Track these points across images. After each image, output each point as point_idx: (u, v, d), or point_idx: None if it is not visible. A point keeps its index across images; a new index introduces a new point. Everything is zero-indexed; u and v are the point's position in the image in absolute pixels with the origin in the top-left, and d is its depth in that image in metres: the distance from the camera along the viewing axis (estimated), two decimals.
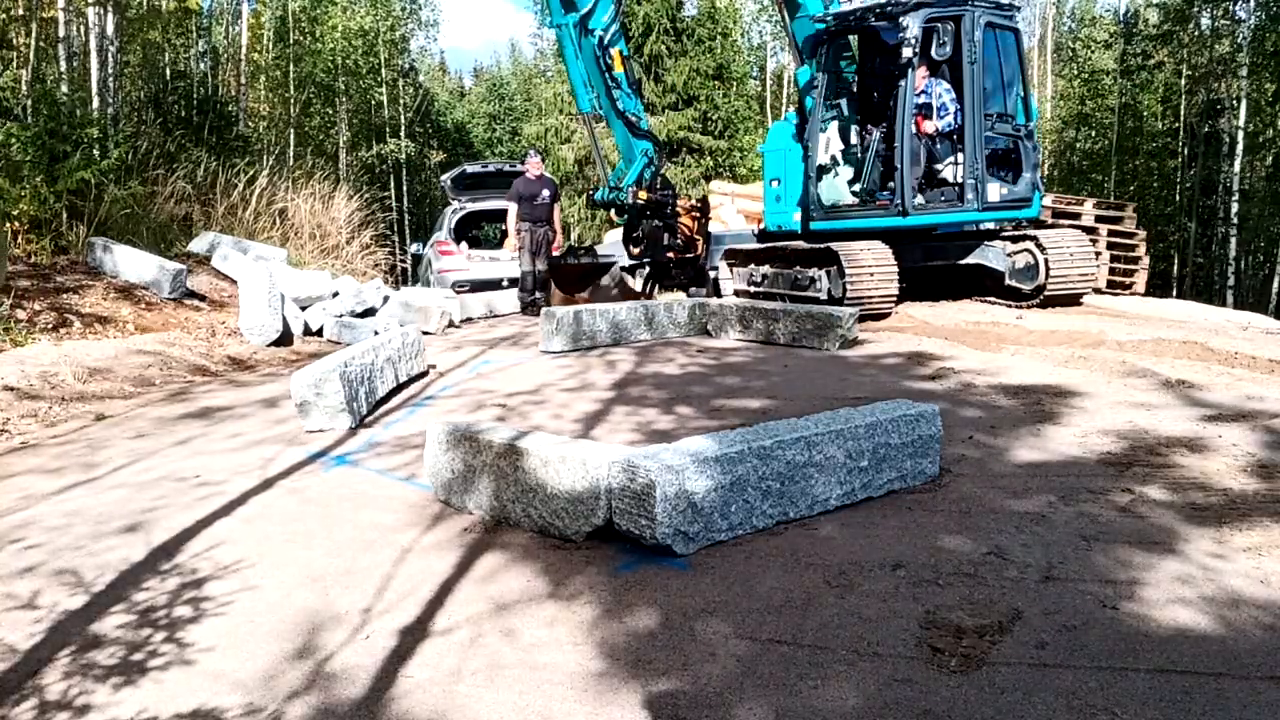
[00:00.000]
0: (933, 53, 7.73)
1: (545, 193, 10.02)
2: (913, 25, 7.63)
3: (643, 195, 9.21)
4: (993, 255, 8.38)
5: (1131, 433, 3.94)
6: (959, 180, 7.91)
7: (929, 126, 7.91)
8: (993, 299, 8.51)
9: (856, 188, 8.39)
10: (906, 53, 7.66)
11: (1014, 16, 8.23)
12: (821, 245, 7.93)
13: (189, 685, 2.25)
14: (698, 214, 9.51)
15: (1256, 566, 2.59)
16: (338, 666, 2.30)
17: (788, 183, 9.25)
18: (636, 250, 9.94)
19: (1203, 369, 5.26)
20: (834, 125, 8.67)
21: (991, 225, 8.62)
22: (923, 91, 7.97)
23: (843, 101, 8.81)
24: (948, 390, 4.93)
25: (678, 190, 9.72)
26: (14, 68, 11.22)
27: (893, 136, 7.99)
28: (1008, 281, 8.35)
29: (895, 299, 7.77)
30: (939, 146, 8.03)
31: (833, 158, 8.64)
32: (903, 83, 7.79)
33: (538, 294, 9.99)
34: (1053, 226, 9.45)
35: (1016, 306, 8.21)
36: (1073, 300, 8.31)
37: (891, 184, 8.03)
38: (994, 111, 8.04)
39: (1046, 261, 8.04)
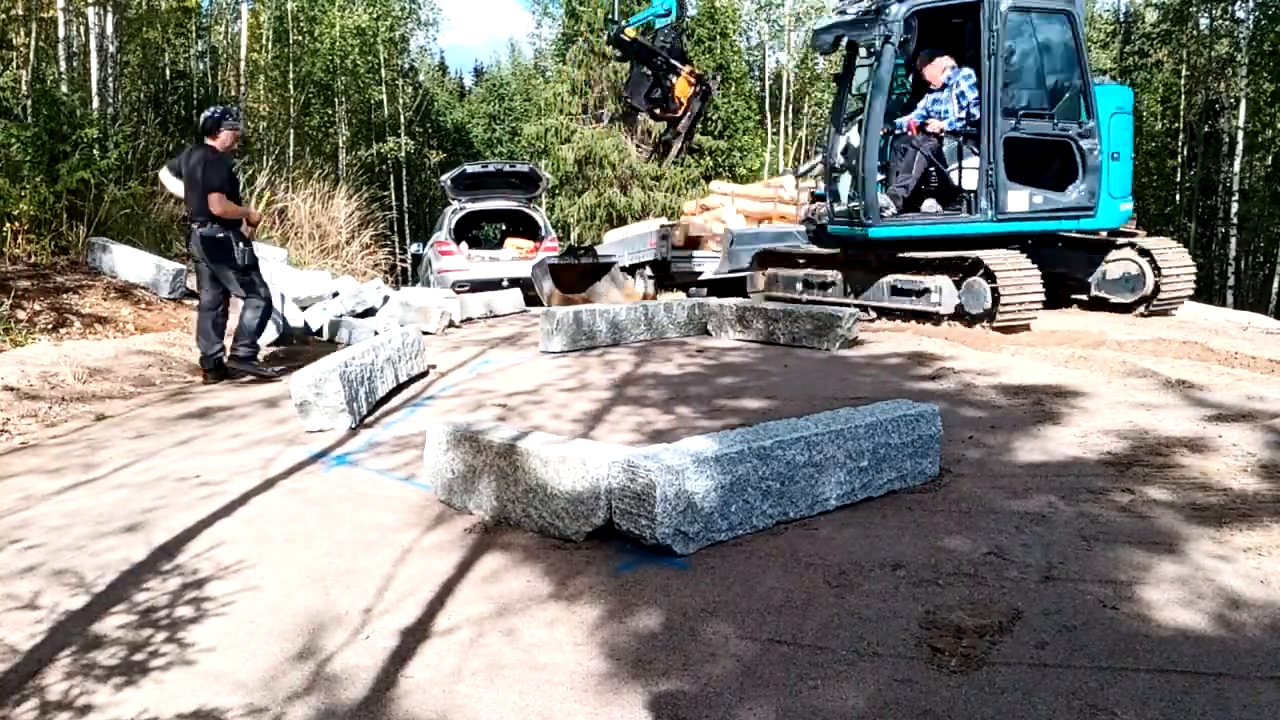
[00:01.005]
0: (898, 52, 7.22)
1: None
2: (896, 17, 7.09)
3: (629, 33, 9.26)
4: (1075, 264, 7.79)
5: (1132, 433, 3.95)
6: (969, 186, 7.27)
7: (933, 126, 7.38)
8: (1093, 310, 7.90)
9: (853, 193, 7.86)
10: (870, 49, 7.25)
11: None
12: (956, 253, 7.20)
13: (190, 686, 2.25)
14: (694, 84, 9.47)
15: (1257, 567, 2.60)
16: (338, 667, 2.31)
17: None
18: (625, 92, 10.04)
19: (1203, 369, 5.26)
20: (855, 128, 8.03)
21: (1104, 234, 7.91)
22: (944, 85, 7.47)
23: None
24: (948, 390, 4.93)
25: (702, 77, 9.67)
26: (14, 68, 11.22)
27: (893, 140, 7.48)
28: (1095, 292, 7.78)
29: (1040, 307, 7.03)
30: (947, 149, 7.42)
31: (845, 161, 8.12)
32: (872, 80, 7.26)
33: (221, 349, 6.42)
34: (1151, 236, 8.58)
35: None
36: (1167, 313, 7.73)
37: (892, 190, 7.50)
38: (1035, 109, 7.31)
39: (1158, 274, 7.41)
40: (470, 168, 13.77)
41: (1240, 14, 21.98)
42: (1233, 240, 21.21)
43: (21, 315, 7.32)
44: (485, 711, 2.08)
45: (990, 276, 6.85)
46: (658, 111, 9.59)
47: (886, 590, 2.56)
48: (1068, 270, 7.87)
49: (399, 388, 5.66)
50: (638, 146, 23.68)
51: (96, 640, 2.50)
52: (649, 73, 9.29)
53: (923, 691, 2.07)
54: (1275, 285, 20.80)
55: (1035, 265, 6.99)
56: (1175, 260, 7.51)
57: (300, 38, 24.67)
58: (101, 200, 9.67)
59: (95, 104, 11.44)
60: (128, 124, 12.51)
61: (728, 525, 2.91)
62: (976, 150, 7.29)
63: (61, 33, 11.57)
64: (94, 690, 2.24)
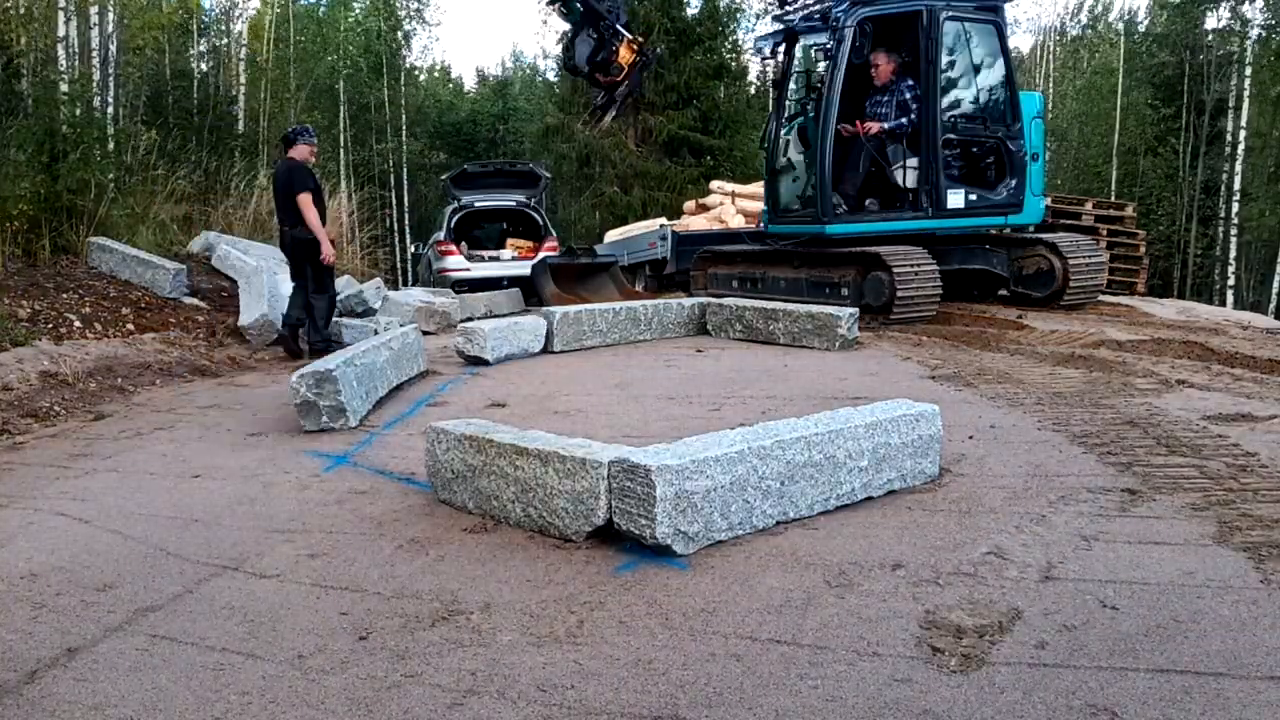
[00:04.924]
0: (851, 56, 7.59)
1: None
2: (845, 24, 7.49)
3: None
4: (996, 261, 8.17)
5: (1132, 432, 3.95)
6: (911, 185, 7.73)
7: (874, 128, 7.71)
8: (1002, 305, 8.30)
9: (800, 192, 8.36)
10: (824, 53, 7.67)
11: (998, 8, 7.90)
12: (855, 249, 7.67)
13: (191, 685, 2.25)
14: (637, 49, 9.36)
15: (1257, 566, 2.60)
16: (339, 669, 2.31)
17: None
18: (562, 48, 9.78)
19: (1203, 369, 5.26)
20: (798, 127, 8.46)
21: (993, 231, 8.39)
22: (890, 89, 7.80)
23: (810, 103, 8.54)
24: (948, 390, 4.93)
25: (645, 45, 9.56)
26: (14, 67, 11.22)
27: (826, 139, 7.75)
28: (1014, 288, 8.18)
29: (938, 303, 7.52)
30: (890, 149, 7.80)
31: (788, 160, 8.57)
32: (823, 85, 7.65)
33: (301, 333, 7.49)
34: (1053, 229, 9.23)
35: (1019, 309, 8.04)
36: (1082, 306, 8.14)
37: (843, 188, 7.85)
38: (967, 112, 7.81)
39: (1065, 269, 7.79)
40: (470, 167, 13.81)
41: (1249, 14, 21.97)
42: (1233, 240, 21.20)
43: (22, 315, 7.32)
44: (486, 712, 2.08)
45: (889, 271, 7.25)
46: (599, 77, 9.37)
47: (886, 590, 2.56)
48: (987, 266, 8.30)
49: (399, 388, 5.67)
50: (637, 146, 23.68)
51: (97, 640, 2.50)
52: (595, 35, 9.08)
53: (923, 691, 2.07)
54: (1275, 285, 20.78)
55: (935, 261, 7.41)
56: (1085, 255, 8.06)
57: (302, 38, 24.68)
58: (101, 200, 9.65)
59: (95, 104, 11.43)
60: (128, 124, 12.52)
61: (728, 525, 2.91)
62: (915, 151, 7.74)
63: (61, 32, 11.56)
64: (95, 691, 2.24)
